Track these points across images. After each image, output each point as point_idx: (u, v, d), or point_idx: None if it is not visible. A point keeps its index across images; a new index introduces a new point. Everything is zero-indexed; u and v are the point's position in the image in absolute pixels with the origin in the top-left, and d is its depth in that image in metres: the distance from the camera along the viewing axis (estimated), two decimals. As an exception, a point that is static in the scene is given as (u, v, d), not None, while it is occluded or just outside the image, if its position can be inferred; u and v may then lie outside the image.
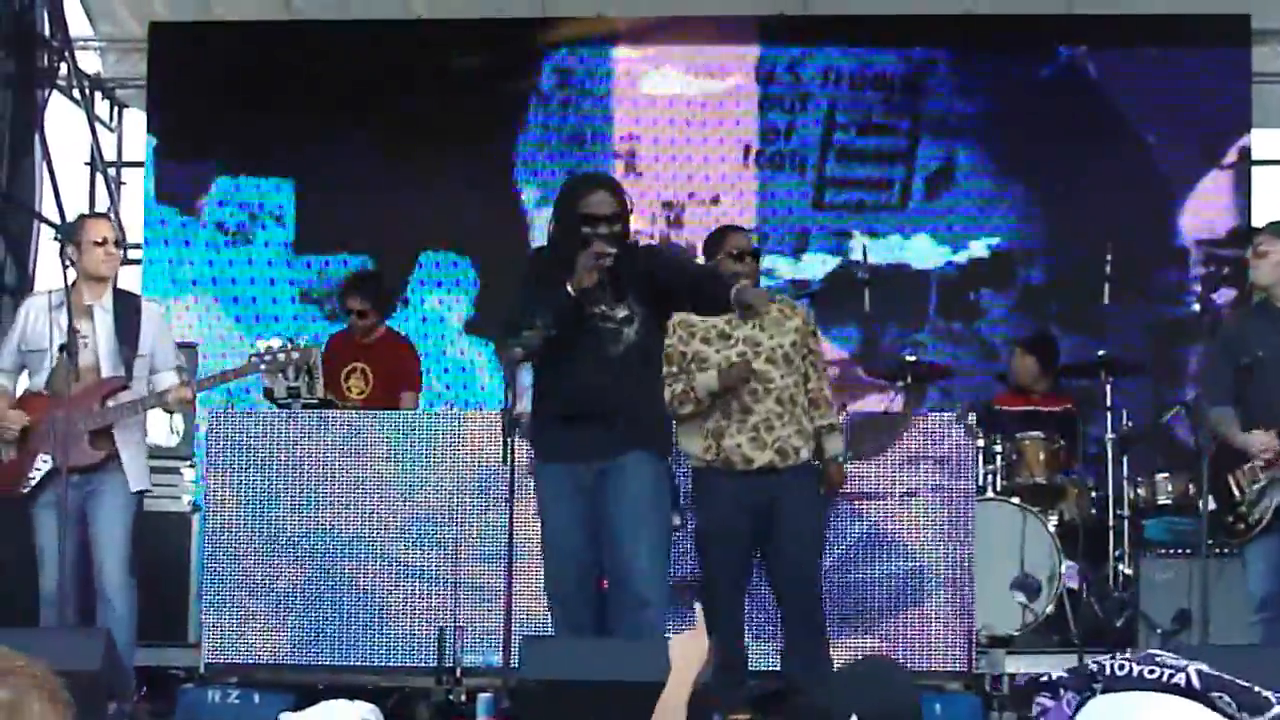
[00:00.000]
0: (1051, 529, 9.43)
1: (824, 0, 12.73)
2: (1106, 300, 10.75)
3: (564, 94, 12.88)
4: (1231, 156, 12.59)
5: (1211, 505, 7.55)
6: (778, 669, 7.95)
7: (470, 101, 12.67)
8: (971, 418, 9.04)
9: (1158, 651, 3.80)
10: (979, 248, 12.58)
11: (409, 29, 12.86)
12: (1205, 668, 3.70)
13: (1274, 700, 3.65)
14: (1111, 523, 9.78)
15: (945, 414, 9.09)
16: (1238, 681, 3.67)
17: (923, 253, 12.54)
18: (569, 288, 6.78)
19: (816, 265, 12.40)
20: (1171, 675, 3.67)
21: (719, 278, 7.19)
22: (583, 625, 7.00)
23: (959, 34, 12.72)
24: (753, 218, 12.44)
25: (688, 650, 4.09)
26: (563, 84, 12.89)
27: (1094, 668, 3.81)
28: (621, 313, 6.91)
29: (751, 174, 12.76)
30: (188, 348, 9.63)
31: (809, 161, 12.73)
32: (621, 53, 12.92)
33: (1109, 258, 10.46)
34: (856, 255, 11.13)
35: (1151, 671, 3.69)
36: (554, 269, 6.93)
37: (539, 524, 7.25)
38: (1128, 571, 9.60)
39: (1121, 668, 3.75)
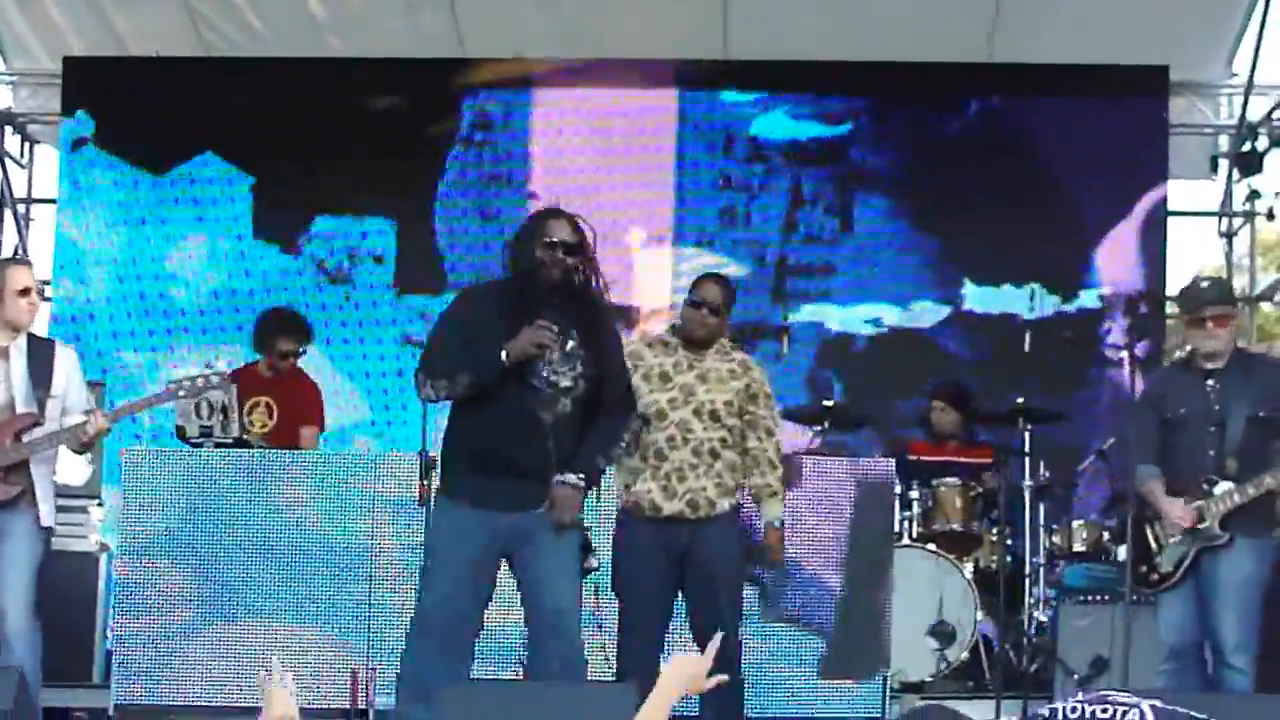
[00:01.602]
0: (967, 576, 9.49)
1: (745, 42, 12.78)
2: (1026, 348, 10.87)
3: (482, 135, 12.94)
4: (1147, 206, 12.74)
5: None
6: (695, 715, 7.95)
7: (392, 142, 12.80)
8: (890, 463, 9.11)
9: (1110, 690, 3.77)
10: (897, 297, 12.73)
11: (327, 67, 12.95)
12: (1159, 703, 3.66)
13: None
14: (1028, 569, 9.85)
15: (862, 460, 9.15)
16: (1192, 714, 3.64)
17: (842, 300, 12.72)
18: (504, 353, 6.71)
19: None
20: (1125, 713, 3.62)
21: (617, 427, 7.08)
22: (440, 665, 6.79)
23: (878, 82, 12.83)
24: (669, 260, 12.55)
25: (682, 670, 4.16)
26: (481, 126, 12.94)
27: (1044, 713, 3.77)
28: (565, 383, 6.82)
29: (669, 214, 12.85)
30: (95, 385, 9.59)
31: (732, 207, 12.83)
32: (540, 95, 12.97)
33: (1029, 306, 10.54)
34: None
35: (1104, 710, 3.64)
36: (495, 300, 6.93)
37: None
38: (1043, 618, 9.68)
39: (1073, 710, 3.70)
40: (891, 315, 12.71)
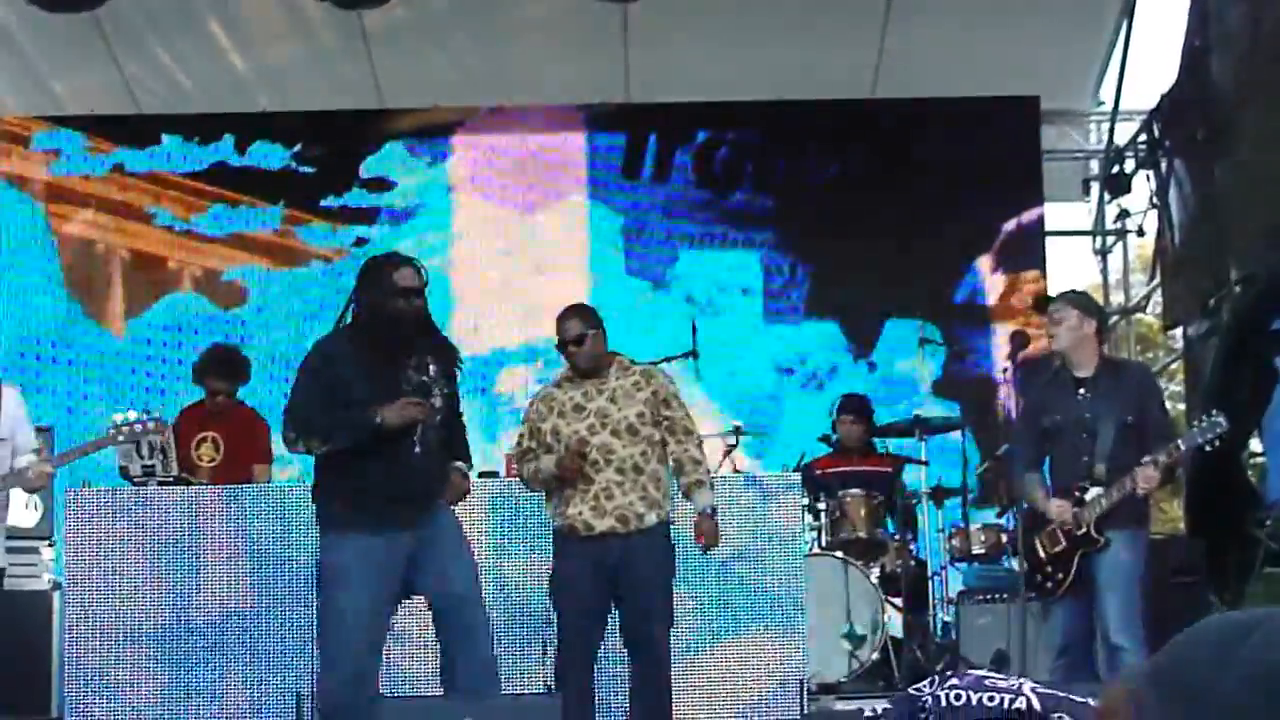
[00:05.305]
0: (874, 580, 9.41)
1: (645, 86, 12.74)
2: (921, 361, 10.85)
3: (406, 182, 12.86)
4: (1026, 228, 12.77)
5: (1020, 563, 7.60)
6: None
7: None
8: (796, 477, 9.01)
9: (984, 673, 3.64)
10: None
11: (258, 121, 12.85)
12: (1038, 685, 3.57)
13: None
14: (930, 572, 9.77)
15: (773, 475, 9.05)
16: (1071, 697, 3.55)
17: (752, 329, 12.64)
18: (377, 418, 6.61)
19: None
20: (1012, 700, 3.51)
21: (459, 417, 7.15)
22: (354, 690, 6.66)
23: (772, 118, 12.80)
24: (584, 294, 12.46)
25: None
26: (404, 173, 12.86)
27: (927, 700, 3.62)
28: (438, 403, 6.80)
29: (584, 254, 12.78)
30: (44, 431, 9.39)
31: (644, 249, 12.78)
32: (458, 140, 12.90)
33: (920, 324, 10.53)
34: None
35: (990, 699, 3.52)
36: (356, 349, 6.78)
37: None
38: (946, 618, 9.61)
39: (958, 697, 3.56)
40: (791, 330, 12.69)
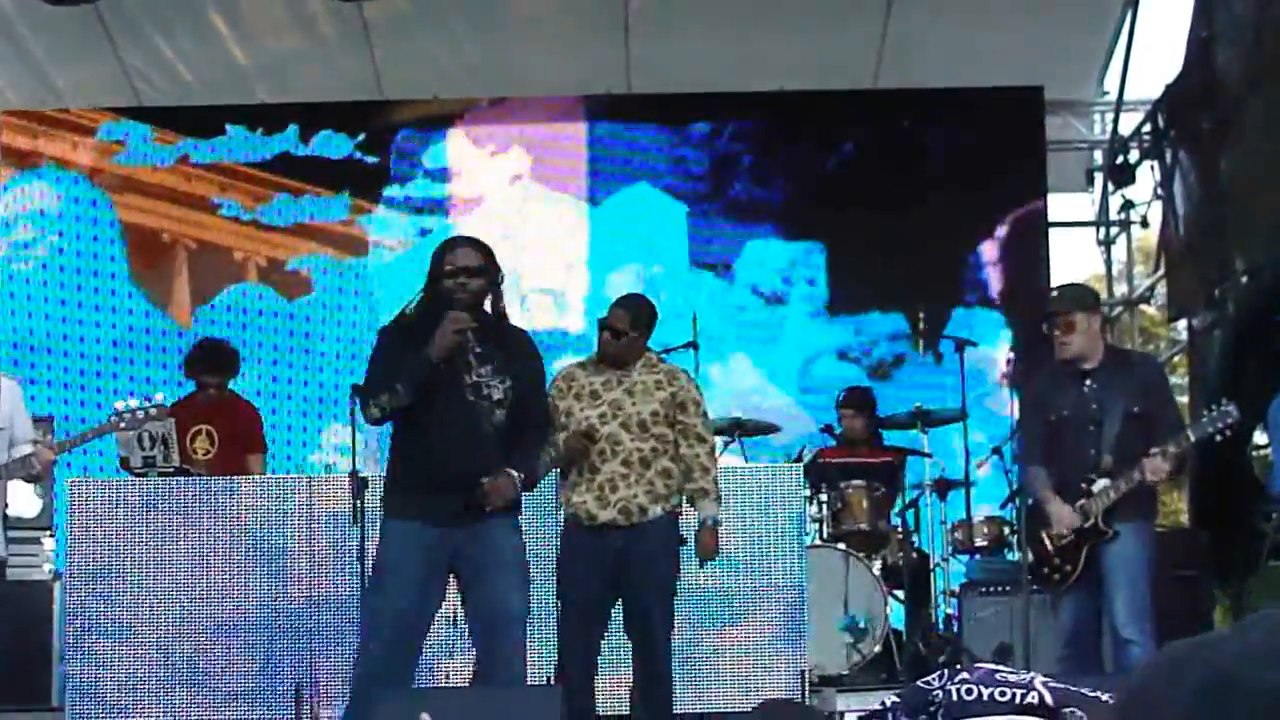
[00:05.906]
0: (875, 572, 9.37)
1: (646, 77, 12.69)
2: (921, 354, 10.80)
3: (408, 173, 12.82)
4: (1029, 218, 12.71)
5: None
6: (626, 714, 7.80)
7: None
8: (798, 468, 8.97)
9: (994, 667, 3.58)
10: (799, 310, 12.61)
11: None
12: (1050, 680, 3.50)
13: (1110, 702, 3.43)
14: (932, 564, 9.72)
15: (775, 466, 9.02)
16: (1082, 691, 3.49)
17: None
18: (429, 353, 6.57)
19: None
20: (1024, 695, 3.45)
21: (542, 433, 7.06)
22: (389, 678, 6.65)
23: (774, 109, 12.74)
24: (584, 291, 12.43)
25: None
26: (406, 164, 12.82)
27: (937, 694, 3.56)
28: (497, 395, 6.68)
29: (583, 246, 12.73)
30: (44, 421, 9.36)
31: (642, 242, 12.74)
32: (457, 133, 12.86)
33: (921, 315, 10.49)
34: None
35: (1002, 694, 3.45)
36: (415, 331, 6.72)
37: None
38: (949, 610, 9.56)
39: (969, 691, 3.49)
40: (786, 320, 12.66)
